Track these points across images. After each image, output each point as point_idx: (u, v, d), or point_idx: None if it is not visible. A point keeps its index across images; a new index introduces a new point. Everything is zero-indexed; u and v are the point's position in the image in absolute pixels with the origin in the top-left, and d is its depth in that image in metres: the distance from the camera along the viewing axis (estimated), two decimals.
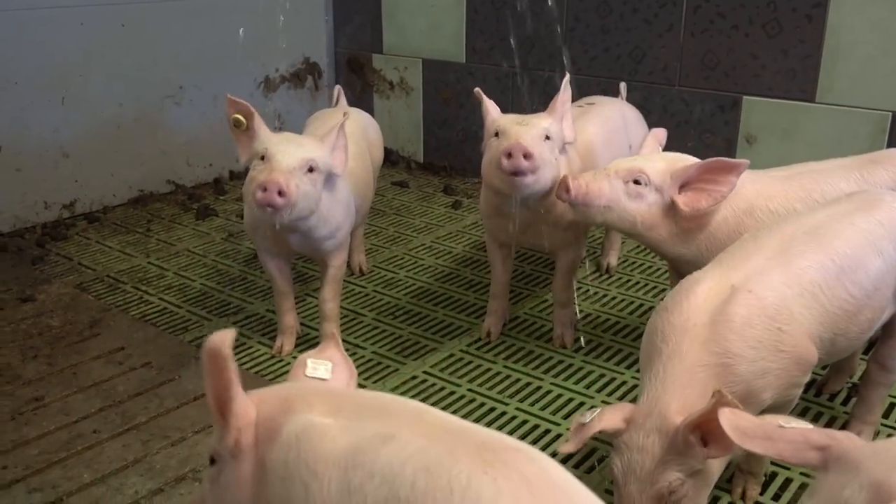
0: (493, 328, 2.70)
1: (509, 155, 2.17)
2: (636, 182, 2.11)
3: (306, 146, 2.26)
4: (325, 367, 1.43)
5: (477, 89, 2.47)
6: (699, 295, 1.72)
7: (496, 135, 2.29)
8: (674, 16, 3.47)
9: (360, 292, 3.05)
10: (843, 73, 3.14)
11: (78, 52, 3.63)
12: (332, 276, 2.57)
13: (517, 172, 2.19)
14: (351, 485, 1.07)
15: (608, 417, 1.64)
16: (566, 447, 1.61)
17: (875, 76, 3.07)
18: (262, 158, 2.21)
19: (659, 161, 2.15)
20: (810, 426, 1.26)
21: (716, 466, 1.64)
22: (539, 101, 3.92)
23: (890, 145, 3.08)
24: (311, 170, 2.23)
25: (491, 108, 2.40)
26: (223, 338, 1.17)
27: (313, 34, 4.58)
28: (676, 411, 1.58)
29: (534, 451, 1.07)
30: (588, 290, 3.04)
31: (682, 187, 2.10)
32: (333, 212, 2.41)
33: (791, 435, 1.24)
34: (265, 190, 2.13)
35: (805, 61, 3.21)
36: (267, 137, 2.27)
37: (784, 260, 1.76)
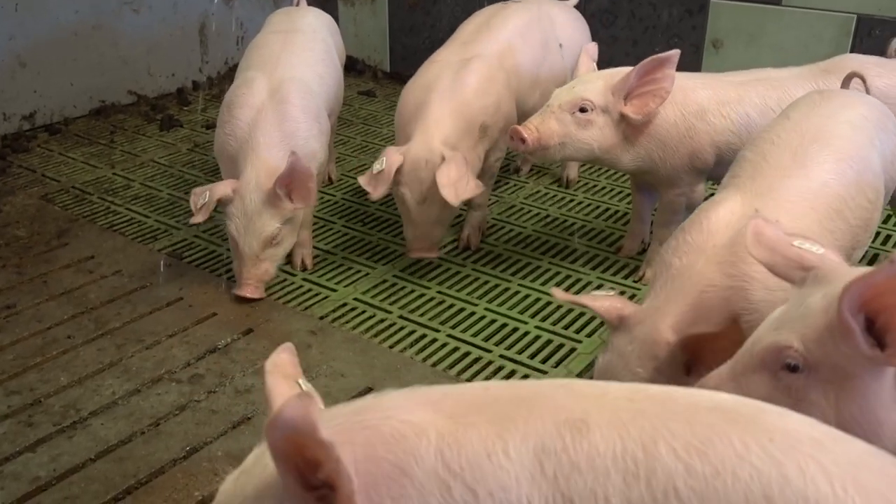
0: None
1: None
2: (582, 110, 2.13)
3: (263, 217, 2.28)
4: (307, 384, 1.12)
5: None
6: (721, 217, 1.64)
7: None
8: None
9: (329, 200, 3.06)
10: None
11: None
12: None
13: None
14: (569, 494, 0.82)
15: (609, 307, 1.59)
16: (559, 294, 1.62)
17: None
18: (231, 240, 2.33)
19: (597, 80, 2.15)
20: (822, 249, 1.27)
21: None
22: None
23: (854, 48, 3.11)
24: (274, 237, 2.31)
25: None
26: (303, 408, 0.79)
27: None
28: (670, 327, 1.53)
29: (768, 406, 0.89)
30: (555, 196, 3.07)
31: (627, 98, 2.12)
32: (309, 142, 2.45)
33: (791, 252, 1.27)
34: (240, 293, 2.33)
35: None
36: (229, 211, 2.31)
37: (804, 175, 1.68)
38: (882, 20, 3.04)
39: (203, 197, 2.30)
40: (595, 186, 3.15)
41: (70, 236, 2.76)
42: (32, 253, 2.65)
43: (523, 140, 2.14)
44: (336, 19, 4.40)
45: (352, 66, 4.43)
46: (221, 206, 2.33)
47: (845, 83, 2.06)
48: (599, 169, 3.28)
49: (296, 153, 2.25)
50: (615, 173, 3.24)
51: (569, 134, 2.15)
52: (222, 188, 2.30)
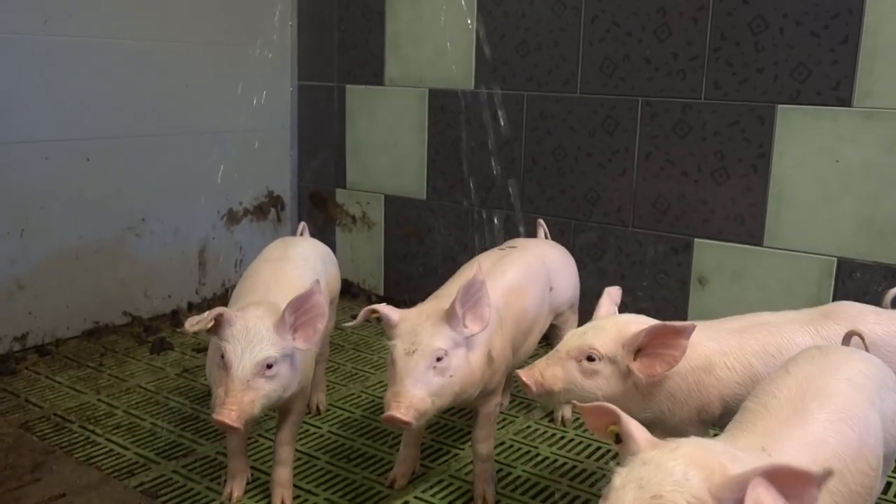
0: (399, 477, 2.63)
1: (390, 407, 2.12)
2: (589, 359, 2.10)
3: (264, 341, 2.20)
4: None
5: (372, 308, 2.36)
6: (721, 446, 1.59)
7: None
8: (627, 161, 3.62)
9: (314, 433, 3.00)
10: (788, 220, 3.27)
11: (41, 185, 3.65)
12: (291, 421, 2.52)
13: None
14: None
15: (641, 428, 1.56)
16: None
17: (818, 223, 3.20)
18: (222, 357, 2.20)
19: (610, 329, 2.14)
20: None
21: None
22: (498, 238, 4.00)
23: (836, 290, 3.18)
24: (269, 366, 2.21)
25: (390, 314, 2.31)
26: None
27: (278, 168, 4.68)
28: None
29: None
30: (545, 432, 3.02)
31: (637, 353, 2.10)
32: (297, 375, 2.37)
33: None
34: (220, 418, 2.12)
35: (752, 208, 3.34)
36: (226, 332, 2.22)
37: (806, 429, 1.67)
38: (862, 264, 3.13)
39: (203, 315, 2.23)
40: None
41: (44, 470, 2.67)
42: (2, 490, 2.55)
43: (526, 386, 2.12)
44: (334, 244, 4.60)
45: (347, 290, 4.52)
46: (217, 331, 2.22)
47: (846, 340, 2.07)
48: None
49: (318, 281, 2.33)
50: None
51: (573, 381, 2.12)
52: (226, 310, 2.24)
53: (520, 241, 3.00)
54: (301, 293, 2.28)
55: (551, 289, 2.81)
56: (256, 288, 2.61)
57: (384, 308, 2.32)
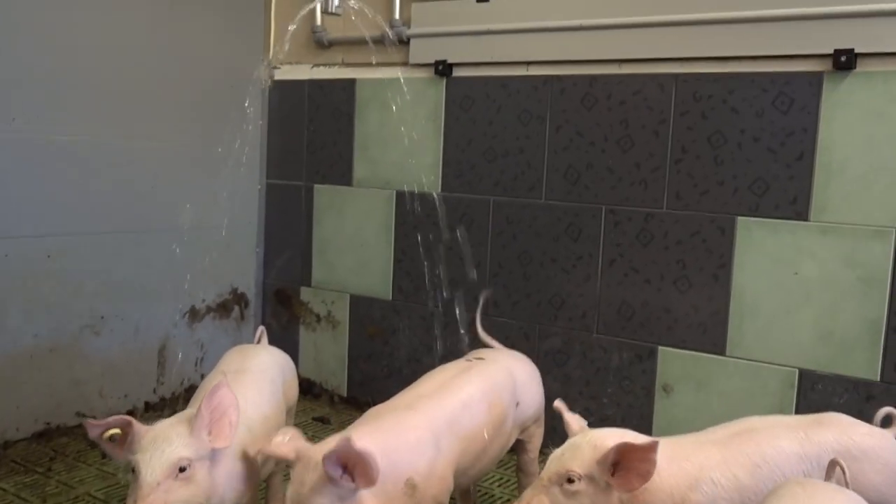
0: None
1: None
2: (570, 481, 2.10)
3: (174, 443, 2.12)
4: None
5: None
6: None
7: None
8: (591, 267, 3.65)
9: None
10: (750, 330, 3.29)
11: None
12: None
13: None
14: None
15: None
16: None
17: (781, 334, 3.23)
18: (133, 471, 2.11)
19: (585, 448, 2.14)
20: None
21: None
22: (463, 340, 3.97)
23: (799, 401, 3.19)
24: (182, 469, 2.11)
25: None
26: None
27: (243, 266, 4.65)
28: None
29: None
30: None
31: (616, 466, 2.09)
32: (232, 480, 2.30)
33: None
34: None
35: (714, 317, 3.36)
36: (136, 445, 2.14)
37: None
38: (823, 376, 3.15)
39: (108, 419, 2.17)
40: None
41: None
42: None
43: None
44: (297, 342, 4.55)
45: (308, 390, 4.45)
46: (130, 447, 2.13)
47: (829, 472, 2.06)
48: None
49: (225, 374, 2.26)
50: None
51: None
52: (135, 421, 2.15)
53: (487, 352, 2.95)
54: (210, 390, 2.23)
55: (518, 403, 2.77)
56: None
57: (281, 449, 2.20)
